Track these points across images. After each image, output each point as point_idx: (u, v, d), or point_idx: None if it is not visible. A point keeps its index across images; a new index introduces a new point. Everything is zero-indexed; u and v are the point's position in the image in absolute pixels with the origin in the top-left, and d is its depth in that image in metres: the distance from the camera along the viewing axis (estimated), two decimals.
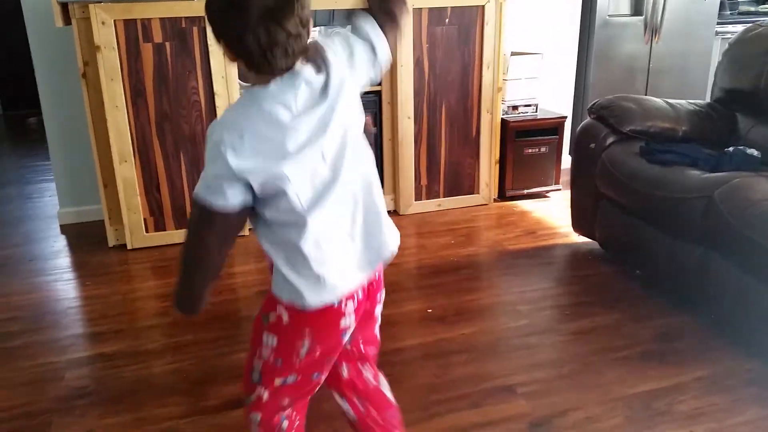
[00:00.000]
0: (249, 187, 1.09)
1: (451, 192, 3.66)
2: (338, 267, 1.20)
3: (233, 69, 3.07)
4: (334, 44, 1.19)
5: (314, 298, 1.18)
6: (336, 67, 1.14)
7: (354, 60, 1.21)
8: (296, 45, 1.05)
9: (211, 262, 1.18)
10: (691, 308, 2.41)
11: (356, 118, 1.20)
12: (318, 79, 1.11)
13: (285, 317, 1.23)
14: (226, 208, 1.10)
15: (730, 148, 2.55)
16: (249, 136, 1.06)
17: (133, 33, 2.90)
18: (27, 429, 1.86)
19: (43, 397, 2.00)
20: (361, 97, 1.22)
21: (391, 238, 1.29)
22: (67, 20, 2.90)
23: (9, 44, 6.40)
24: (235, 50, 1.07)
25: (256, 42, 1.02)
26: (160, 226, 3.17)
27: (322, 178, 1.14)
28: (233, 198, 1.09)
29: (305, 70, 1.09)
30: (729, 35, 4.27)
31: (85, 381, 2.09)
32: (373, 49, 1.24)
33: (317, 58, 1.12)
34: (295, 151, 1.08)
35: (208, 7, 1.07)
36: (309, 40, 1.10)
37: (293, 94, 1.08)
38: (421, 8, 3.30)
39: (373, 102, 3.42)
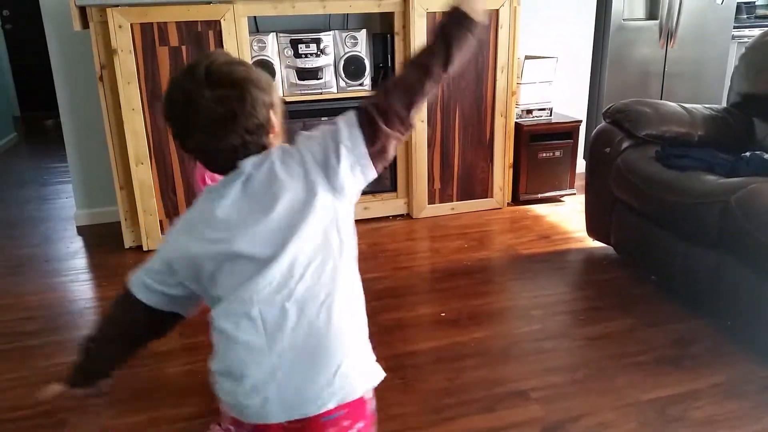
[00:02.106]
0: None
1: (464, 196, 3.66)
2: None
3: None
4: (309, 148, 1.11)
5: None
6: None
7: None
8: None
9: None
10: (706, 313, 2.40)
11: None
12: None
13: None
14: None
15: (747, 153, 2.52)
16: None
17: (149, 36, 2.93)
18: (43, 427, 1.88)
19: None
20: None
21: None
22: (85, 24, 2.93)
23: (27, 47, 6.50)
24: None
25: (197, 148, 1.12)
26: None
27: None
28: None
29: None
30: (746, 39, 4.24)
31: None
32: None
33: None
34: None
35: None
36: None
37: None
38: (435, 12, 3.30)
39: None
